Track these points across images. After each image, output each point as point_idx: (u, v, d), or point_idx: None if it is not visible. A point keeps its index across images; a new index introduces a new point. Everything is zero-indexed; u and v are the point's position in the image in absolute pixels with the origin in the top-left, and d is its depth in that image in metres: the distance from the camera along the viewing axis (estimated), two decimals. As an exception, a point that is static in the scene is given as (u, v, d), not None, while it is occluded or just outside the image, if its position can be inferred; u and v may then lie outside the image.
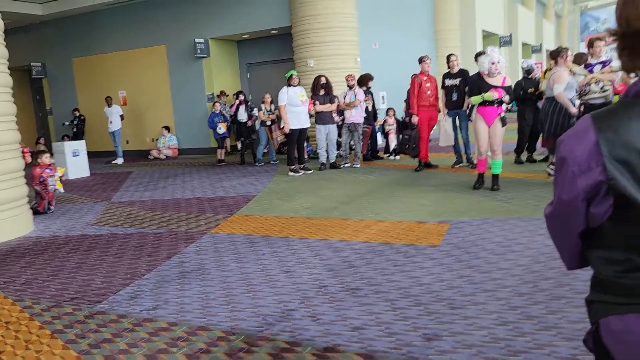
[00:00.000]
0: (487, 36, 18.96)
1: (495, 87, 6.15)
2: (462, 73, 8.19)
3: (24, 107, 16.18)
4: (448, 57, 8.40)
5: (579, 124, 1.10)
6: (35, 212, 6.89)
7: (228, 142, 12.45)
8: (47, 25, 15.22)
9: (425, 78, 8.30)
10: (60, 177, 7.25)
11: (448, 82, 8.29)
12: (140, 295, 3.68)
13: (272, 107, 10.39)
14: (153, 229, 5.75)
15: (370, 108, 9.91)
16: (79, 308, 3.51)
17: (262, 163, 10.58)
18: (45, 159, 7.13)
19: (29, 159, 7.39)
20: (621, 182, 1.01)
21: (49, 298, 3.75)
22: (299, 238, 4.90)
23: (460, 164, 8.47)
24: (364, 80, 9.90)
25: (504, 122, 6.28)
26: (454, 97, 8.08)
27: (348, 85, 9.54)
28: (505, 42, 19.89)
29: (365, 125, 9.69)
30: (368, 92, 9.86)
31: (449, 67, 8.33)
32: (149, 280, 3.99)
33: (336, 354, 2.62)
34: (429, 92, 8.26)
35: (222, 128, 11.24)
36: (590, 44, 6.83)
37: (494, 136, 6.27)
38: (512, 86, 7.02)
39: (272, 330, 2.95)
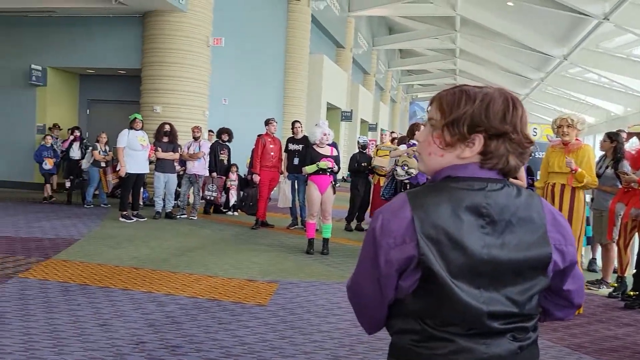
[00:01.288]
0: (331, 109, 20.29)
1: (326, 156, 6.60)
2: (306, 139, 8.65)
3: None
4: (293, 123, 8.84)
5: (396, 201, 1.18)
6: None
7: (55, 179, 11.45)
8: None
9: (270, 139, 8.60)
10: None
11: (291, 146, 8.67)
12: None
13: (107, 147, 9.88)
14: (-54, 268, 5.00)
15: (226, 162, 9.93)
16: None
17: (92, 205, 9.88)
18: None
19: None
20: (430, 258, 1.10)
21: None
22: (121, 289, 4.63)
23: (295, 226, 8.77)
24: (220, 134, 9.96)
25: (334, 189, 6.73)
26: (296, 161, 8.45)
27: (194, 137, 9.50)
28: (347, 116, 21.47)
29: (218, 177, 9.66)
30: (225, 146, 9.89)
31: (293, 133, 8.75)
32: None
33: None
34: (272, 154, 8.55)
35: (47, 164, 10.34)
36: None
37: (325, 202, 6.65)
38: (340, 156, 7.58)
39: (78, 389, 2.72)
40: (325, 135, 6.67)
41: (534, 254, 1.17)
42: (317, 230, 7.03)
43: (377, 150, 9.08)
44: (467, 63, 30.36)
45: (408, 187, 6.78)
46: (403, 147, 7.14)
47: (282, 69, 16.58)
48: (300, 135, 8.68)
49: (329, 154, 6.65)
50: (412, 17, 25.21)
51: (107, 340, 3.42)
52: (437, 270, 1.11)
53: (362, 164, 8.82)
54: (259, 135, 8.74)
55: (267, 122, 8.73)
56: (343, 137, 22.01)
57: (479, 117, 1.16)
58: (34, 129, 12.35)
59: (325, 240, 6.74)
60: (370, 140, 9.42)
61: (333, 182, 6.72)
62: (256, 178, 8.52)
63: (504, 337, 1.16)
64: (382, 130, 22.14)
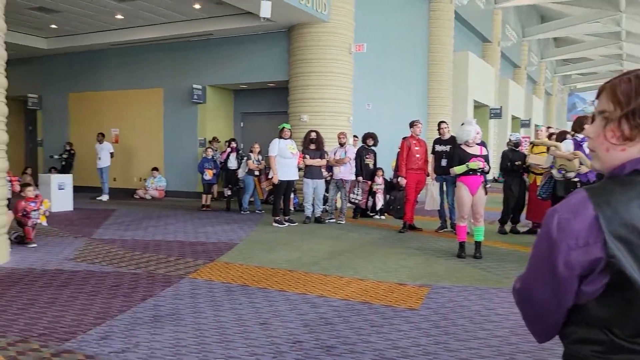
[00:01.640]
0: (479, 107, 19.49)
1: (476, 156, 6.31)
2: (453, 140, 8.38)
3: (15, 137, 16.14)
4: (439, 123, 8.62)
5: (574, 198, 1.08)
6: (21, 242, 6.82)
7: (215, 189, 12.46)
8: (48, 59, 15.43)
9: (415, 142, 8.49)
10: (45, 211, 7.15)
11: (438, 147, 8.47)
12: (110, 336, 3.60)
13: (260, 157, 10.50)
14: (131, 269, 5.67)
15: (371, 166, 10.07)
16: (46, 345, 3.42)
17: (247, 212, 10.58)
18: (29, 192, 7.07)
19: (18, 188, 7.35)
20: (621, 261, 0.99)
21: (17, 332, 3.65)
22: (277, 290, 4.86)
23: (444, 229, 8.53)
24: (365, 138, 10.12)
25: (486, 190, 6.42)
26: (443, 162, 8.23)
27: (339, 143, 9.71)
28: (496, 114, 20.44)
29: (364, 181, 9.82)
30: (370, 150, 10.04)
31: (440, 134, 8.53)
32: (121, 322, 3.91)
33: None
34: (417, 156, 8.43)
35: (207, 175, 11.28)
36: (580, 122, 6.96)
37: (477, 204, 6.36)
38: (493, 156, 7.18)
39: (242, 383, 2.89)
40: (478, 133, 6.42)
41: None
42: (468, 233, 6.75)
43: (532, 146, 8.48)
44: (636, 46, 27.21)
45: (578, 185, 6.23)
46: (566, 143, 6.61)
47: (425, 69, 16.31)
48: (447, 136, 8.44)
49: (478, 154, 6.37)
50: (567, 2, 23.22)
51: (267, 339, 3.60)
52: (631, 275, 0.98)
53: (516, 163, 8.31)
54: (403, 138, 8.67)
55: (412, 124, 8.63)
56: (492, 135, 20.97)
57: None
58: (197, 143, 13.58)
59: (478, 244, 6.45)
60: (523, 137, 8.84)
61: (484, 183, 6.42)
62: (402, 181, 8.45)
63: None
64: (536, 125, 20.73)
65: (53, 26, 13.08)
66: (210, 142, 12.92)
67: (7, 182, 6.38)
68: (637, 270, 0.99)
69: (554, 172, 6.60)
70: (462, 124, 6.70)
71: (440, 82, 16.45)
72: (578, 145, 6.51)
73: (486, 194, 6.46)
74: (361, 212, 10.27)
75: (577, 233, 1.03)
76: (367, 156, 10.07)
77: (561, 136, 7.53)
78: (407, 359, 3.27)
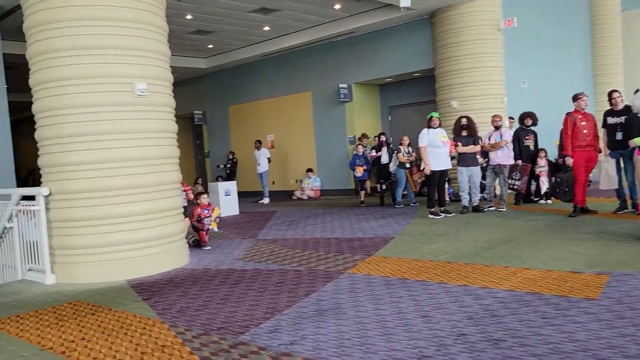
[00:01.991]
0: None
1: None
2: (628, 110, 7.48)
3: (186, 151, 18.00)
4: (610, 93, 7.74)
5: None
6: (196, 245, 7.55)
7: (368, 184, 12.60)
8: (208, 77, 16.91)
9: (580, 116, 7.73)
10: (216, 218, 7.82)
11: (611, 120, 7.62)
12: (279, 329, 3.79)
13: (410, 149, 10.35)
14: (293, 266, 5.94)
15: (532, 147, 9.45)
16: (224, 337, 3.70)
17: (402, 205, 10.51)
18: (204, 199, 7.79)
19: (191, 196, 8.15)
20: None
21: (199, 326, 4.01)
22: (437, 282, 4.73)
23: (625, 210, 7.64)
24: (522, 119, 9.52)
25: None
26: (618, 136, 7.38)
27: (495, 126, 9.19)
28: (677, 76, 17.85)
29: (523, 164, 9.25)
30: (529, 131, 9.44)
31: (611, 104, 7.67)
32: (287, 316, 4.09)
33: (475, 409, 2.44)
34: (585, 132, 7.66)
35: (357, 172, 11.42)
36: None
37: (663, 179, 5.59)
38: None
39: (407, 376, 2.84)
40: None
41: None
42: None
43: None
44: None
45: None
46: None
47: (587, 35, 14.83)
48: (620, 106, 7.54)
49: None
50: None
51: (429, 331, 3.51)
52: None
53: None
54: (567, 114, 7.93)
55: (576, 97, 7.86)
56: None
57: None
58: (346, 141, 13.85)
59: (667, 224, 5.67)
60: None
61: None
62: (569, 160, 7.74)
63: None
64: None
65: (210, 46, 14.29)
66: (359, 138, 13.10)
67: (182, 191, 7.07)
68: None
69: None
70: (637, 91, 5.94)
71: (607, 48, 14.84)
72: None
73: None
74: (524, 197, 9.62)
75: None
76: (526, 137, 9.42)
77: None
78: (587, 353, 2.96)
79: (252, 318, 4.11)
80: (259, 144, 13.98)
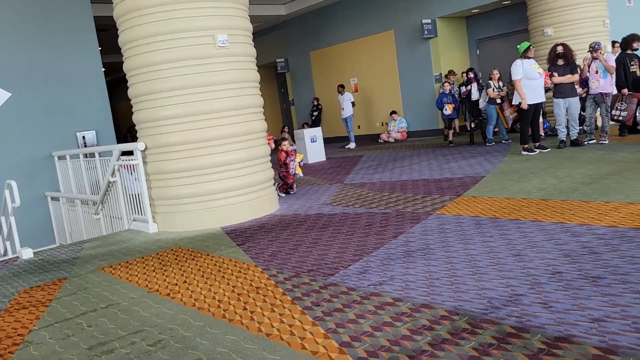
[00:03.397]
0: None
1: None
2: None
3: (271, 100, 18.30)
4: None
5: None
6: (285, 192, 7.78)
7: (456, 123, 12.19)
8: (288, 24, 16.83)
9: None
10: (300, 162, 7.98)
11: None
12: (368, 270, 3.85)
13: (501, 83, 9.81)
14: (381, 209, 5.95)
15: (639, 73, 8.70)
16: (315, 279, 3.82)
17: (493, 143, 10.10)
18: (284, 146, 7.94)
19: (273, 146, 8.35)
20: None
21: (290, 269, 4.17)
22: (531, 221, 4.55)
23: None
24: (629, 42, 8.71)
25: None
26: None
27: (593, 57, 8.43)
28: None
29: (630, 93, 8.54)
30: (634, 56, 8.66)
31: None
32: (376, 257, 4.14)
33: (570, 345, 2.36)
34: None
35: (447, 110, 11.05)
36: None
37: None
38: None
39: (498, 314, 2.80)
40: None
41: None
42: None
43: None
44: None
45: None
46: None
47: None
48: None
49: None
50: None
51: (522, 270, 3.41)
52: None
53: None
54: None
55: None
56: None
57: None
58: (432, 80, 13.38)
59: None
60: None
61: None
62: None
63: None
64: None
65: (288, -8, 14.15)
66: (446, 76, 12.61)
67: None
68: None
69: None
70: None
71: None
72: None
73: None
74: (629, 128, 8.90)
75: None
76: (632, 63, 8.61)
77: None
78: (700, 292, 2.75)
79: (341, 260, 4.20)
80: (341, 89, 13.87)
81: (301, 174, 8.15)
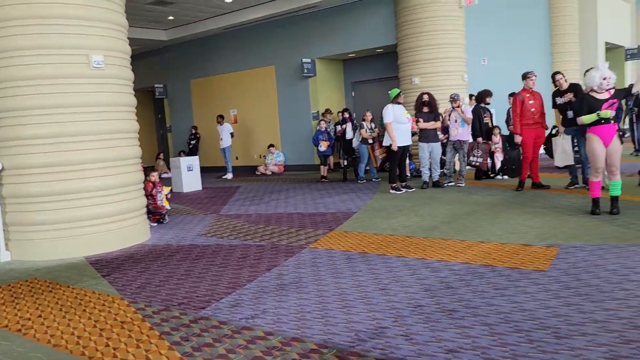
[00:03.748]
0: (611, 49, 17.69)
1: (607, 100, 5.75)
2: (574, 87, 7.75)
3: (147, 125, 17.70)
4: (553, 75, 8.06)
5: None
6: (157, 221, 7.50)
7: (331, 160, 12.66)
8: (169, 50, 16.51)
9: (528, 95, 7.97)
10: (167, 195, 7.78)
11: (559, 100, 7.89)
12: (240, 303, 3.83)
13: (373, 124, 10.43)
14: (256, 241, 5.97)
15: (491, 125, 9.69)
16: (185, 312, 3.72)
17: (364, 181, 10.62)
18: (152, 176, 7.75)
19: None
20: None
21: (160, 302, 4.02)
22: (396, 256, 4.85)
23: (576, 186, 7.94)
24: (482, 97, 9.70)
25: (622, 139, 5.84)
26: (569, 115, 7.62)
27: (453, 106, 9.27)
28: (632, 54, 18.42)
29: (484, 142, 9.46)
30: (487, 109, 9.65)
31: (556, 86, 7.94)
32: (249, 290, 4.14)
33: (428, 376, 2.54)
34: (533, 110, 7.91)
35: (322, 146, 11.46)
36: None
37: (612, 156, 5.81)
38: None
39: (364, 346, 2.93)
40: (605, 79, 5.82)
41: None
42: (603, 188, 6.21)
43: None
44: None
45: None
46: None
47: (546, 13, 15.09)
48: (565, 86, 7.82)
49: (609, 101, 5.79)
50: None
51: (387, 303, 3.61)
52: None
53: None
54: (515, 94, 8.18)
55: (525, 76, 8.07)
56: (629, 80, 18.97)
57: None
58: (310, 116, 13.84)
59: (614, 199, 5.91)
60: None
61: (619, 132, 5.85)
62: (518, 138, 7.99)
63: None
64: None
65: (170, 18, 13.93)
66: (323, 114, 13.10)
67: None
68: None
69: None
70: (587, 71, 6.14)
71: (564, 27, 15.15)
72: None
73: (622, 143, 5.88)
74: (483, 173, 9.87)
75: None
76: (485, 115, 9.62)
77: None
78: (534, 322, 3.11)
79: (214, 293, 4.14)
80: (221, 119, 13.81)
81: (168, 207, 7.92)
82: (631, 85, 6.50)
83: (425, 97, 9.16)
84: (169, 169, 11.94)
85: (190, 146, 15.60)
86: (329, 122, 12.51)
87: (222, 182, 12.91)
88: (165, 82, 16.98)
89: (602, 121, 5.76)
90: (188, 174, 11.54)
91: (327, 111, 13.02)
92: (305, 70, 13.38)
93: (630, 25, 19.48)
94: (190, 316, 3.63)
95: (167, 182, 12.29)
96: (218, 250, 5.66)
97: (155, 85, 16.84)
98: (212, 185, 12.21)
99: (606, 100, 5.79)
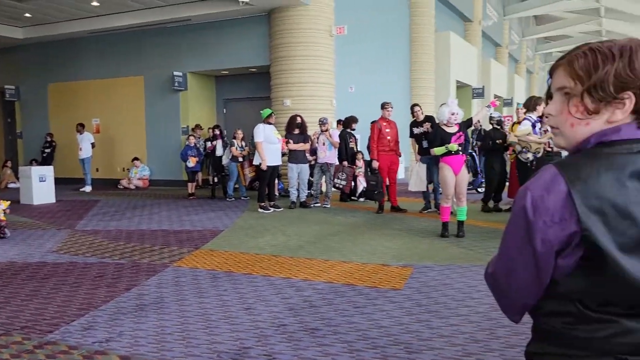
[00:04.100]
0: (461, 87, 19.54)
1: (455, 133, 6.37)
2: (429, 119, 8.45)
3: (-6, 129, 15.97)
4: (412, 107, 8.72)
5: (544, 174, 1.07)
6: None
7: (200, 176, 12.41)
8: (24, 50, 15.14)
9: (385, 124, 8.54)
10: (5, 210, 7.02)
11: (416, 130, 8.54)
12: (94, 326, 3.59)
13: (244, 143, 10.45)
14: (115, 259, 5.64)
15: (356, 150, 10.13)
16: (29, 337, 3.41)
17: (233, 199, 10.55)
18: None
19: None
20: (594, 234, 1.00)
21: (-1, 326, 3.63)
22: (262, 276, 4.88)
23: (428, 210, 8.59)
24: (349, 122, 10.14)
25: (469, 169, 6.48)
26: (424, 144, 8.27)
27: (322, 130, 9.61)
28: (478, 93, 20.51)
29: (349, 166, 9.86)
30: (352, 135, 10.09)
31: (413, 117, 8.61)
32: (104, 312, 3.90)
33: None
34: (389, 138, 8.50)
35: (191, 162, 11.22)
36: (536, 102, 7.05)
37: (460, 184, 6.41)
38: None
39: (226, 367, 2.91)
40: (453, 114, 6.43)
41: None
42: (451, 213, 6.82)
43: (513, 125, 8.55)
44: (615, 22, 27.38)
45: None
46: (525, 124, 6.71)
47: (407, 50, 16.28)
48: (421, 118, 8.51)
49: (457, 134, 6.41)
50: (546, -21, 23.28)
51: (251, 323, 3.62)
52: (604, 246, 0.99)
53: (497, 141, 8.37)
54: (373, 122, 8.73)
55: (383, 106, 8.66)
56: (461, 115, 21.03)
57: (624, 73, 1.04)
58: (179, 131, 13.47)
59: (461, 223, 6.51)
60: (506, 117, 8.94)
61: (466, 162, 6.49)
62: (375, 164, 8.52)
63: None
64: (517, 104, 20.82)
65: (27, 15, 12.82)
66: (192, 129, 12.83)
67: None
68: (611, 240, 0.99)
69: (530, 155, 6.67)
70: (442, 105, 6.75)
71: (422, 63, 16.44)
72: (532, 126, 6.66)
73: (468, 172, 6.52)
74: (348, 195, 10.30)
75: (552, 210, 1.03)
76: (351, 140, 10.09)
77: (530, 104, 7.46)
78: (389, 338, 3.31)
79: (64, 315, 3.84)
80: (81, 128, 12.91)
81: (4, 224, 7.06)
82: (470, 119, 7.26)
83: (298, 120, 9.39)
84: (17, 178, 10.86)
85: (45, 155, 14.36)
86: (199, 138, 12.28)
87: (79, 195, 12.03)
88: (18, 83, 15.50)
89: (452, 152, 6.34)
90: (40, 185, 10.60)
91: (197, 126, 12.78)
92: (177, 84, 13.04)
93: (477, 67, 21.73)
94: (35, 341, 3.34)
95: (15, 193, 11.19)
96: (71, 268, 5.26)
97: (6, 87, 15.31)
98: (68, 198, 11.32)
99: (454, 133, 6.40)
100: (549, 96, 1.19)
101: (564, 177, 1.04)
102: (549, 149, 6.79)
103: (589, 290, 1.04)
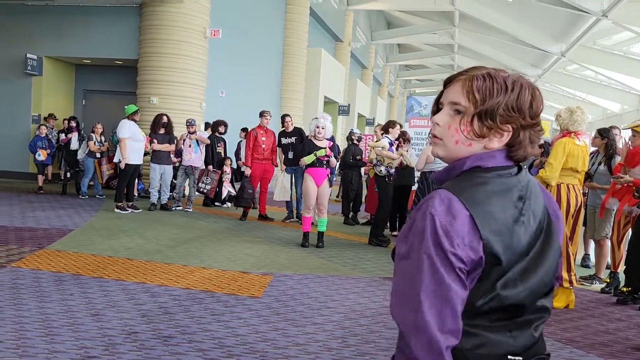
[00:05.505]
0: (329, 102, 20.25)
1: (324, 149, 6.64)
2: (298, 131, 8.64)
3: None
4: (283, 117, 8.84)
5: (439, 198, 1.07)
6: None
7: (50, 170, 11.42)
8: None
9: (262, 132, 8.60)
10: None
11: (284, 140, 8.67)
12: None
13: (103, 138, 9.84)
14: (-61, 257, 4.98)
15: (223, 154, 9.97)
16: None
17: (86, 196, 9.85)
18: None
19: None
20: (498, 253, 1.05)
21: None
22: (114, 279, 4.62)
23: (291, 219, 8.76)
24: (217, 126, 9.95)
25: (331, 182, 6.74)
26: (290, 155, 8.44)
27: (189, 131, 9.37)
28: (344, 110, 21.41)
29: (214, 170, 9.67)
30: (220, 139, 9.92)
31: (283, 127, 8.76)
32: None
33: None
34: (264, 146, 8.55)
35: (41, 155, 10.28)
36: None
37: (321, 196, 6.64)
38: (342, 152, 7.54)
39: (68, 378, 2.71)
40: (318, 128, 6.65)
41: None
42: (312, 223, 7.02)
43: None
44: (465, 59, 30.32)
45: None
46: (383, 141, 7.17)
47: (280, 61, 16.52)
48: (291, 129, 8.68)
49: (326, 147, 6.66)
50: (411, 12, 25.12)
51: (99, 330, 3.41)
52: (501, 263, 1.07)
53: (357, 157, 8.83)
54: (250, 129, 8.74)
55: (261, 114, 8.70)
56: (340, 131, 21.96)
57: (512, 108, 1.11)
58: (29, 119, 12.30)
59: (320, 234, 6.74)
60: (367, 135, 9.46)
61: (329, 176, 6.73)
62: (247, 171, 8.52)
63: (530, 327, 1.14)
64: (377, 124, 22.12)
65: None
66: (45, 119, 11.79)
67: None
68: (506, 257, 1.07)
69: (383, 168, 7.12)
70: (313, 119, 6.95)
71: (293, 76, 16.78)
72: (389, 144, 7.22)
73: (331, 186, 6.77)
74: (212, 200, 10.13)
75: (461, 234, 1.04)
76: (219, 145, 9.95)
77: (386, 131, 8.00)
78: (245, 346, 3.31)
79: None
80: None
81: None
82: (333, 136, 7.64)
83: (164, 119, 9.06)
84: None
85: None
86: (52, 129, 11.32)
87: None
88: None
89: (317, 163, 6.56)
90: None
91: (51, 116, 11.77)
92: (29, 67, 11.90)
93: (344, 85, 22.72)
94: None
95: None
96: None
97: None
98: None
99: (324, 148, 6.63)
100: (438, 104, 1.21)
101: (463, 202, 1.06)
102: (402, 167, 7.39)
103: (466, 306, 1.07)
